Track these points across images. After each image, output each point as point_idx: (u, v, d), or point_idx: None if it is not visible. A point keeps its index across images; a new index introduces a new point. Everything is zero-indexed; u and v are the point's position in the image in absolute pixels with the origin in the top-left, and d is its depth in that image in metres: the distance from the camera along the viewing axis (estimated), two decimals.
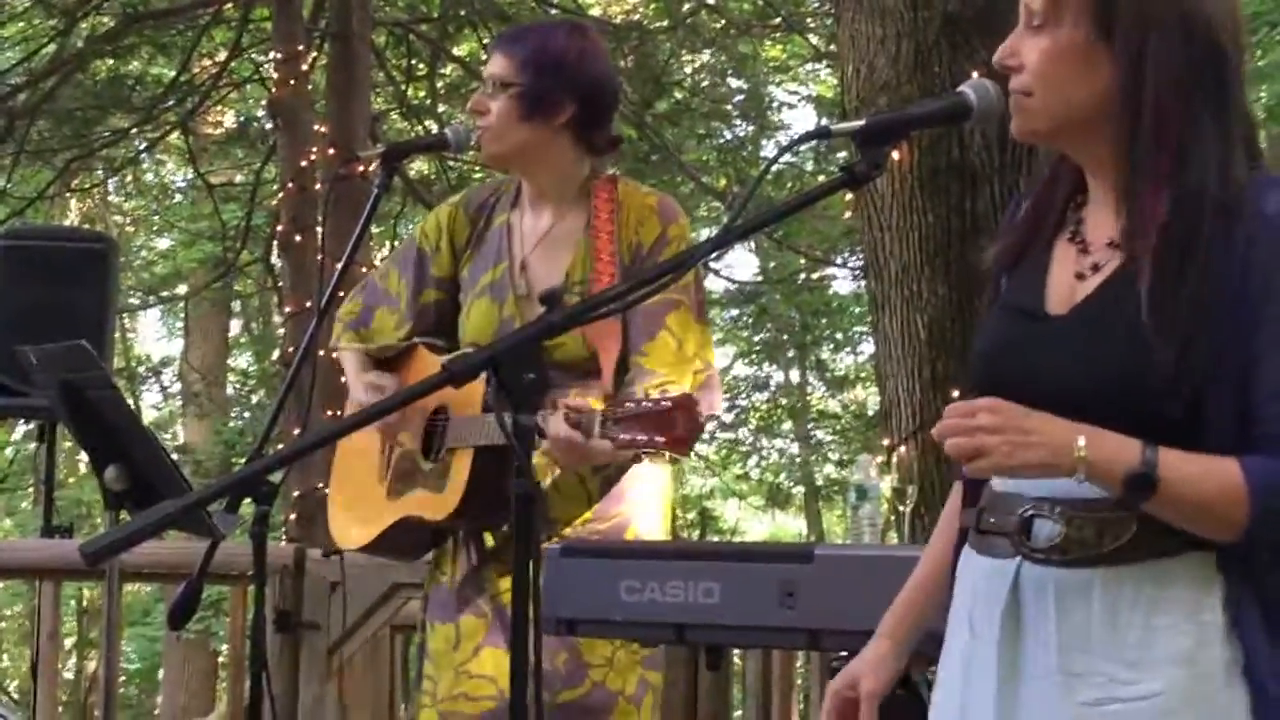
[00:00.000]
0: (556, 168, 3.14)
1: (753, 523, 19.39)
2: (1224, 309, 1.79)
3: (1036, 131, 1.91)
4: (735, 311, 16.01)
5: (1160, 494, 1.75)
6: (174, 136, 12.02)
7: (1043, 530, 1.84)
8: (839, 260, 13.85)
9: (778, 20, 11.73)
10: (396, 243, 10.83)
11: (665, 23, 11.87)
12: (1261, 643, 1.78)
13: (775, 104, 14.17)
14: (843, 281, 15.10)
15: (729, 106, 13.08)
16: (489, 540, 3.15)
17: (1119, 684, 1.79)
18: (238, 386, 16.34)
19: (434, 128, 10.62)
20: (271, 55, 9.16)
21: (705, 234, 14.41)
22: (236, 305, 15.60)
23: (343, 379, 3.27)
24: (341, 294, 3.30)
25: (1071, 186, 1.97)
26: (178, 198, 15.57)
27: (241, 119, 13.24)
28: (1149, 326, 1.79)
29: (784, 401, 17.14)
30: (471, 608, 3.14)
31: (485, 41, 10.09)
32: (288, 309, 8.54)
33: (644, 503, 3.17)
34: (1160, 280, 1.80)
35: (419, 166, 11.91)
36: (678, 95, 12.09)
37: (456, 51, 11.52)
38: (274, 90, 8.98)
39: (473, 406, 3.00)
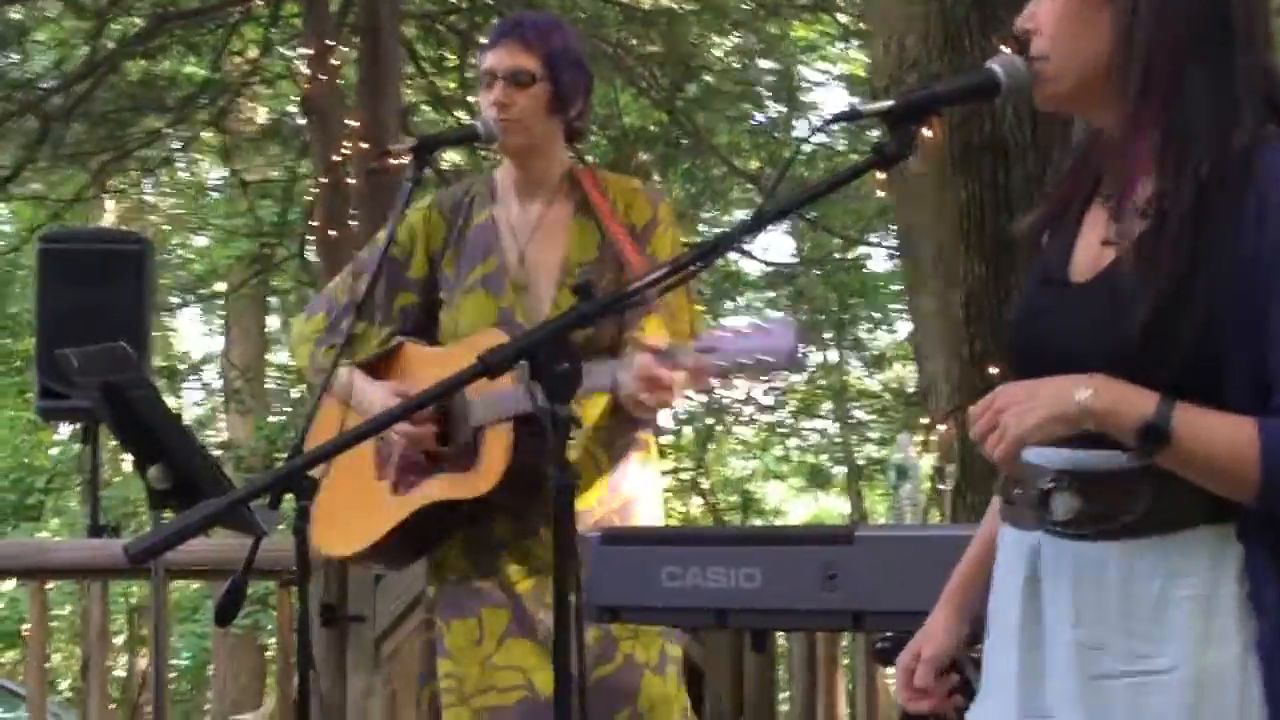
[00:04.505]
0: (553, 158, 3.26)
1: (795, 504, 19.38)
2: (1236, 271, 1.76)
3: (1055, 95, 1.90)
4: (772, 294, 15.98)
5: (1173, 447, 1.75)
6: (208, 135, 12.07)
7: (1061, 503, 1.85)
8: (874, 239, 13.80)
9: (806, 0, 11.69)
10: None
11: (694, 6, 11.84)
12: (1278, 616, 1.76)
13: (806, 84, 14.12)
14: (878, 260, 15.07)
15: (759, 88, 13.03)
16: (499, 530, 3.18)
17: (1134, 658, 1.80)
18: (278, 382, 16.39)
19: (465, 118, 10.62)
20: (302, 51, 9.19)
21: (739, 216, 14.40)
22: (274, 301, 15.65)
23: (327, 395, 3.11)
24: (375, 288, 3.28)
25: (1100, 158, 1.95)
26: (213, 196, 15.64)
27: (274, 115, 13.28)
28: (1130, 287, 1.78)
29: (823, 382, 17.10)
30: (490, 600, 3.17)
31: None
32: None
33: (648, 488, 3.27)
34: (1141, 240, 1.80)
35: (451, 158, 11.92)
36: (708, 78, 12.06)
37: (485, 41, 11.50)
38: (305, 86, 9.01)
39: (495, 383, 3.01)
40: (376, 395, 3.21)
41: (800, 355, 2.76)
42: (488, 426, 3.10)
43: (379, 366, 3.29)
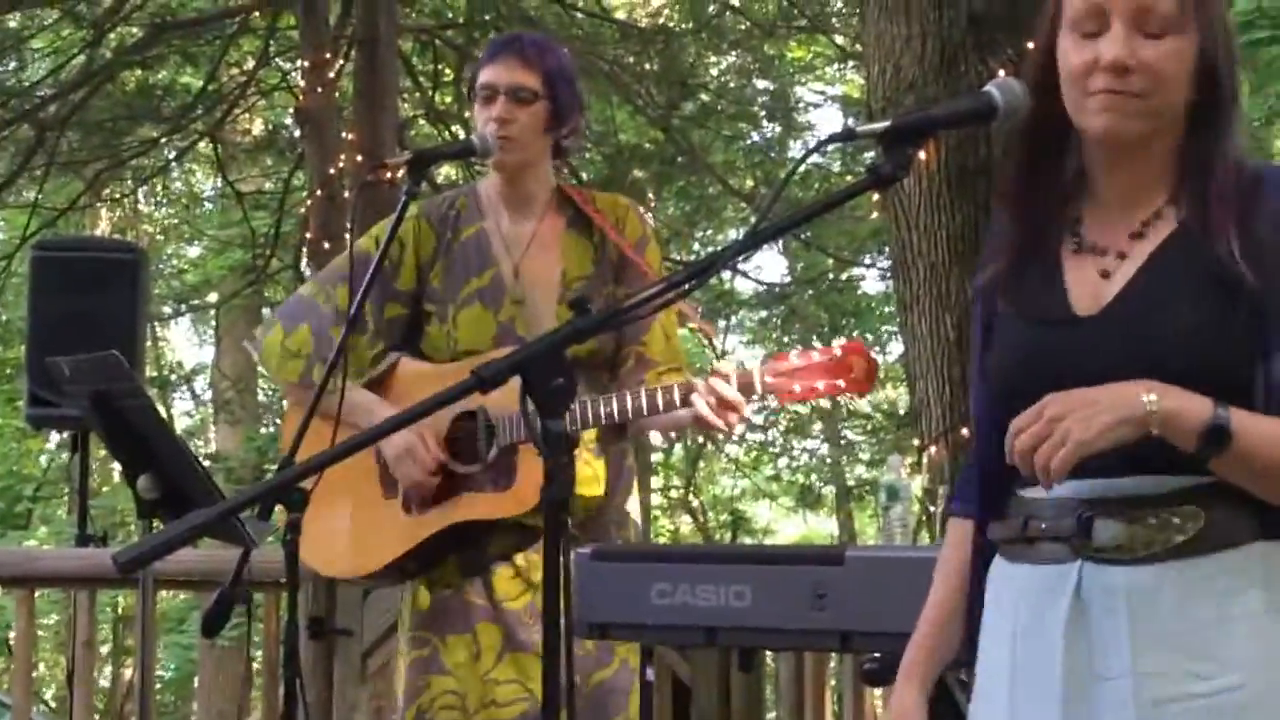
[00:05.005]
0: (544, 174, 3.29)
1: (784, 524, 19.37)
2: (1267, 277, 1.83)
3: (1141, 131, 1.91)
4: (764, 313, 15.99)
5: (1233, 447, 1.76)
6: (203, 145, 12.08)
7: (1105, 531, 1.84)
8: (867, 260, 13.83)
9: (803, 21, 11.72)
10: None
11: (690, 25, 11.87)
12: None
13: (801, 104, 14.16)
14: (871, 281, 15.09)
15: (755, 108, 13.06)
16: (494, 546, 3.18)
17: (1195, 679, 1.79)
18: (269, 393, 16.38)
19: (461, 133, 10.63)
20: (299, 63, 9.20)
21: (733, 235, 14.42)
22: (267, 313, 15.63)
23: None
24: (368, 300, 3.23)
25: (1059, 200, 1.98)
26: (207, 206, 15.65)
27: (270, 127, 13.29)
28: (1240, 269, 1.82)
29: (814, 402, 17.09)
30: (483, 615, 3.17)
31: None
32: None
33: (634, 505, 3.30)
34: (1239, 235, 1.85)
35: (447, 172, 11.92)
36: (704, 97, 12.09)
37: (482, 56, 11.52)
38: (301, 98, 9.01)
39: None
40: (380, 414, 3.17)
41: (871, 383, 2.84)
42: (521, 445, 3.10)
43: (376, 387, 3.26)
